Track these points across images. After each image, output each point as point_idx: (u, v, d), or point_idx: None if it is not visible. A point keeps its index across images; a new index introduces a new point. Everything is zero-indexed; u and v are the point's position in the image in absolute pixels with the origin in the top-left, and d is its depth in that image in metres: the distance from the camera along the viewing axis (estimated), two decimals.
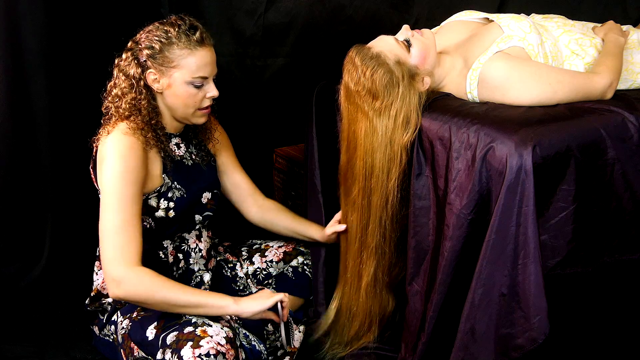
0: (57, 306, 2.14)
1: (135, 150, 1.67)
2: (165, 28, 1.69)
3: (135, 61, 1.71)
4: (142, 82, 1.71)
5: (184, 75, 1.69)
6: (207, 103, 1.75)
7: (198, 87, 1.71)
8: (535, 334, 1.47)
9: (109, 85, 1.77)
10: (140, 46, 1.70)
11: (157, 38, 1.68)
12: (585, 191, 1.54)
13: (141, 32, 1.74)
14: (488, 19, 1.90)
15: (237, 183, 2.01)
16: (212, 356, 1.53)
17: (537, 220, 1.45)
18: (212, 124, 1.93)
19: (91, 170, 1.78)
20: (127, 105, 1.71)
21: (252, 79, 2.52)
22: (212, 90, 1.74)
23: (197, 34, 1.69)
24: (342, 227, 1.86)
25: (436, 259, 1.64)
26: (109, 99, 1.75)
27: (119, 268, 1.59)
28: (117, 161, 1.65)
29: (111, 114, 1.74)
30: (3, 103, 2.06)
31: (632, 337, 1.84)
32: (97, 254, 1.86)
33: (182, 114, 1.75)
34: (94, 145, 1.74)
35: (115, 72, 1.76)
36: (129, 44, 1.74)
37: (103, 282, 1.83)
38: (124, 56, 1.74)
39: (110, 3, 2.18)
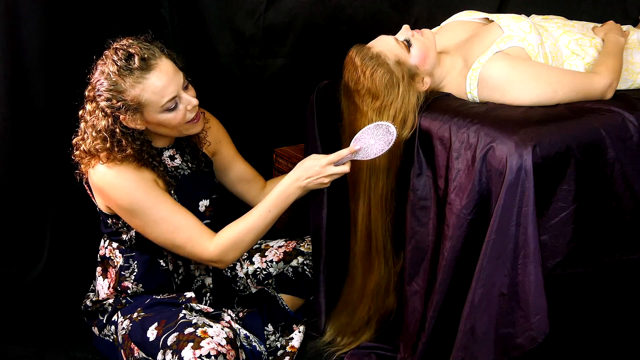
0: (57, 306, 2.14)
1: (129, 170, 1.64)
2: (106, 70, 1.58)
3: (103, 113, 1.61)
4: (118, 130, 1.61)
5: (153, 109, 1.60)
6: (192, 114, 1.67)
7: (174, 109, 1.63)
8: (535, 334, 1.47)
9: (74, 140, 1.68)
10: (98, 98, 1.60)
11: (105, 89, 1.58)
12: (585, 191, 1.54)
13: (92, 75, 1.63)
14: (488, 19, 1.90)
15: (241, 174, 1.99)
16: (212, 357, 1.53)
17: (537, 220, 1.45)
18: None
19: (85, 185, 1.77)
20: (109, 156, 1.62)
21: (252, 79, 2.52)
22: (189, 102, 1.65)
23: (136, 61, 1.56)
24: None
25: (436, 259, 1.64)
26: (77, 153, 1.67)
27: (207, 253, 1.70)
28: (119, 188, 1.62)
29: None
30: (3, 103, 2.05)
31: (632, 337, 1.84)
32: (99, 259, 1.86)
33: (176, 133, 1.72)
34: (84, 176, 1.71)
35: (82, 125, 1.66)
36: (88, 92, 1.63)
37: (108, 289, 1.83)
38: (88, 108, 1.64)
39: (111, 3, 2.18)
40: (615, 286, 1.77)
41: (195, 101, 1.65)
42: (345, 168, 1.66)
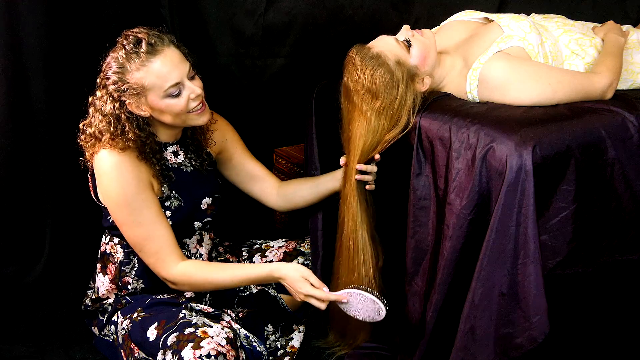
0: (57, 306, 2.14)
1: (129, 163, 1.66)
2: (115, 55, 1.62)
3: (110, 98, 1.64)
4: (123, 116, 1.64)
5: (156, 93, 1.63)
6: (195, 103, 1.68)
7: (177, 95, 1.65)
8: (535, 334, 1.47)
9: (82, 124, 1.71)
10: (107, 82, 1.64)
11: (112, 71, 1.62)
12: (585, 191, 1.54)
13: (104, 62, 1.66)
14: (488, 18, 1.90)
15: (253, 173, 1.97)
16: (212, 357, 1.53)
17: (537, 220, 1.45)
18: (209, 124, 1.86)
19: (89, 177, 1.77)
20: (111, 142, 1.65)
21: (252, 79, 2.52)
22: (193, 90, 1.66)
23: (143, 46, 1.60)
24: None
25: (436, 259, 1.64)
26: (83, 137, 1.70)
27: (165, 271, 1.70)
28: (114, 177, 1.64)
29: (91, 144, 1.69)
30: (3, 103, 2.06)
31: (632, 337, 1.84)
32: (99, 255, 1.86)
33: (179, 122, 1.72)
34: (89, 163, 1.72)
35: (90, 110, 1.69)
36: (100, 80, 1.67)
37: (108, 284, 1.83)
38: (98, 94, 1.67)
39: (111, 3, 2.18)
40: (615, 286, 1.77)
41: (199, 90, 1.67)
42: (323, 306, 1.66)
